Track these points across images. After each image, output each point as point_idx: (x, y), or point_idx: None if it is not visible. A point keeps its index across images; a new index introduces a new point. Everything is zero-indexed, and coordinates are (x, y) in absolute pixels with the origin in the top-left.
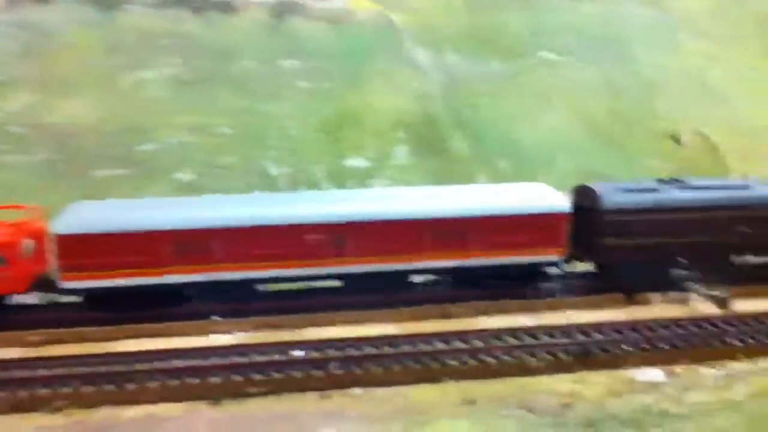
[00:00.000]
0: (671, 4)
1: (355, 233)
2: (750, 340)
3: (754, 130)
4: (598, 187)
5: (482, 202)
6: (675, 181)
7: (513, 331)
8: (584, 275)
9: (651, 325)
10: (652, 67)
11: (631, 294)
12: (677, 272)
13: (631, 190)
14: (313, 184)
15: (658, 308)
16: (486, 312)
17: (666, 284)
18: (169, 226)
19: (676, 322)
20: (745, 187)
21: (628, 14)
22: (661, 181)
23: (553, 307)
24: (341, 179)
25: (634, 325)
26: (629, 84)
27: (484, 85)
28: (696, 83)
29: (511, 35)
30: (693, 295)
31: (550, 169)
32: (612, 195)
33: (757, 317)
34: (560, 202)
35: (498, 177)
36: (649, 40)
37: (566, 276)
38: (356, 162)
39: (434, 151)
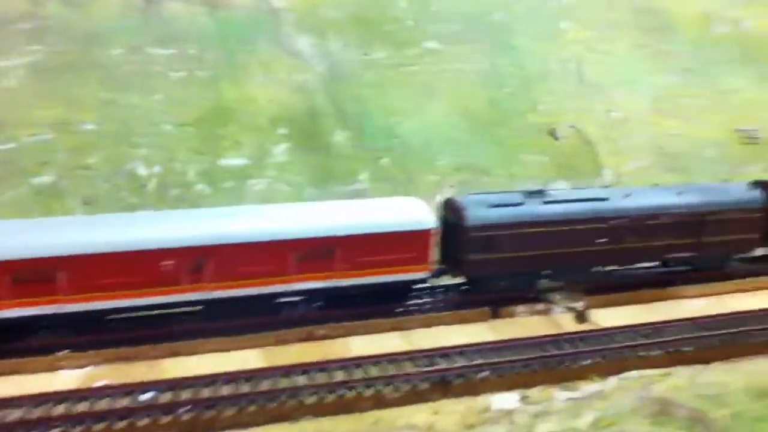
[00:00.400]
0: None
1: (214, 257)
2: (600, 359)
3: (626, 122)
4: (464, 201)
5: (348, 220)
6: (539, 193)
7: (375, 359)
8: (453, 289)
9: (509, 345)
10: (534, 57)
11: (497, 307)
12: (542, 284)
13: (496, 205)
14: (185, 185)
15: (523, 321)
16: (355, 332)
17: (531, 297)
18: (5, 257)
19: (534, 340)
20: (604, 199)
21: (513, 2)
22: (526, 193)
23: (422, 324)
24: (216, 179)
25: (493, 347)
26: (511, 75)
27: (368, 75)
28: (575, 74)
29: (396, 21)
30: (556, 307)
31: (432, 165)
32: (476, 210)
33: (611, 331)
34: (426, 218)
35: (380, 175)
36: (533, 29)
37: (435, 291)
38: (233, 160)
39: (316, 148)
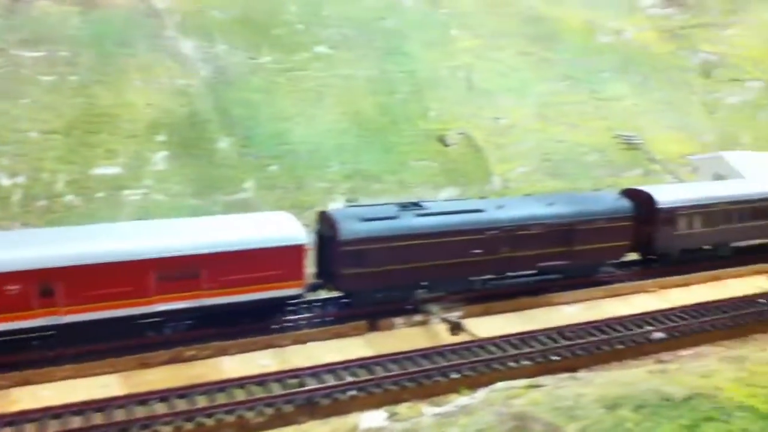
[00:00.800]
0: None
1: (64, 279)
2: (470, 372)
3: (513, 128)
4: (337, 215)
5: (214, 237)
6: (414, 206)
7: (239, 382)
8: (329, 303)
9: (379, 361)
10: (425, 64)
11: (375, 320)
12: (420, 296)
13: (370, 218)
14: (53, 196)
15: (401, 333)
16: (226, 351)
17: (409, 308)
18: None
19: (406, 355)
20: (479, 211)
21: (404, 7)
22: (401, 206)
23: (297, 340)
24: (88, 190)
25: (362, 363)
26: (402, 81)
27: (256, 80)
28: (464, 81)
29: (286, 25)
30: (433, 318)
31: (322, 172)
32: (350, 224)
33: (483, 342)
34: (297, 233)
35: (267, 183)
36: (423, 36)
37: (311, 306)
38: (106, 170)
39: (198, 155)
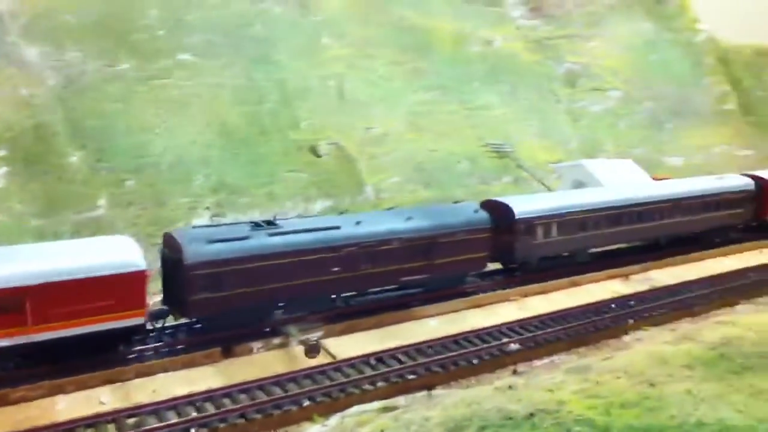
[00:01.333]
0: (316, 4)
1: None
2: (323, 398)
3: (386, 138)
4: (182, 237)
5: (41, 266)
6: (268, 224)
7: (67, 426)
8: (180, 330)
9: (228, 392)
10: (295, 72)
11: (229, 346)
12: (277, 317)
13: (218, 240)
14: None
15: (258, 359)
16: (63, 390)
17: (267, 331)
18: None
19: (257, 383)
20: (336, 227)
21: (274, 14)
22: (253, 225)
23: (143, 373)
24: None
25: (209, 396)
26: (271, 90)
27: (112, 89)
28: (335, 91)
29: (146, 30)
30: (293, 341)
31: (186, 186)
32: (197, 246)
33: (340, 364)
34: (135, 258)
35: (123, 199)
36: (293, 43)
37: (160, 334)
38: None
39: (44, 171)
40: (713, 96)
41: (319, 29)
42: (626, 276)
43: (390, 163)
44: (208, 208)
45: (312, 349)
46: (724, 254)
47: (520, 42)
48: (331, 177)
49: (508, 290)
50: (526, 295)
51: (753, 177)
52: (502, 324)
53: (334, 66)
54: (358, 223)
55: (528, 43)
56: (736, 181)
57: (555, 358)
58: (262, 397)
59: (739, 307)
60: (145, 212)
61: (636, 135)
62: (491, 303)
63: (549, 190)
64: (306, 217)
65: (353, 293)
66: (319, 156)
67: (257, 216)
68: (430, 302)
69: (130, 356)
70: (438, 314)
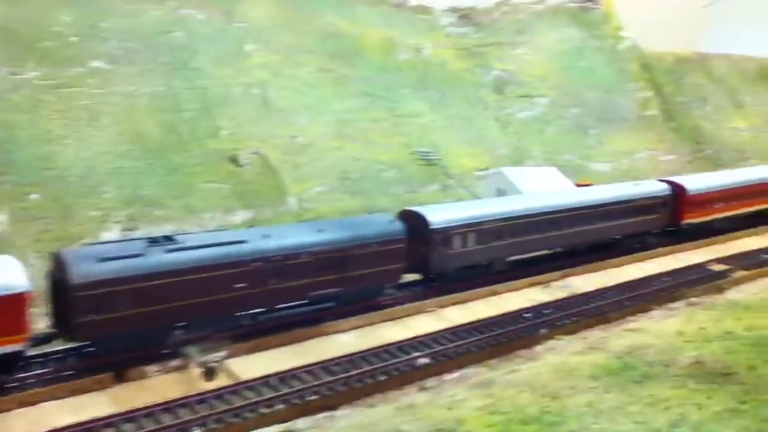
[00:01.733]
0: (240, 11)
1: None
2: (215, 425)
3: (310, 147)
4: (69, 256)
5: None
6: (166, 240)
7: None
8: (70, 355)
9: (112, 421)
10: (217, 80)
11: (121, 371)
12: (176, 338)
13: (109, 258)
14: None
15: (153, 383)
16: None
17: (164, 353)
18: None
19: (146, 410)
20: (242, 242)
21: (195, 20)
22: (149, 241)
23: (25, 403)
24: None
25: (91, 427)
26: (190, 98)
27: (17, 98)
28: (259, 99)
29: (56, 37)
30: (192, 363)
31: (96, 199)
32: (85, 266)
33: (239, 387)
34: (16, 279)
35: (27, 213)
36: (215, 50)
37: (46, 359)
38: None
39: None
40: (637, 102)
41: (244, 36)
42: (546, 283)
43: (315, 173)
44: (119, 221)
45: (209, 372)
46: (642, 259)
47: (450, 50)
48: (253, 187)
49: (425, 302)
50: (443, 306)
51: (669, 182)
52: (415, 337)
53: (258, 73)
54: (265, 236)
55: (457, 51)
56: (652, 186)
57: (466, 371)
58: (150, 425)
59: (653, 313)
60: (51, 227)
61: (563, 141)
62: (408, 315)
63: (476, 198)
64: (211, 231)
65: (261, 310)
66: (240, 166)
67: (172, 229)
68: (345, 316)
69: (10, 385)
70: (352, 328)
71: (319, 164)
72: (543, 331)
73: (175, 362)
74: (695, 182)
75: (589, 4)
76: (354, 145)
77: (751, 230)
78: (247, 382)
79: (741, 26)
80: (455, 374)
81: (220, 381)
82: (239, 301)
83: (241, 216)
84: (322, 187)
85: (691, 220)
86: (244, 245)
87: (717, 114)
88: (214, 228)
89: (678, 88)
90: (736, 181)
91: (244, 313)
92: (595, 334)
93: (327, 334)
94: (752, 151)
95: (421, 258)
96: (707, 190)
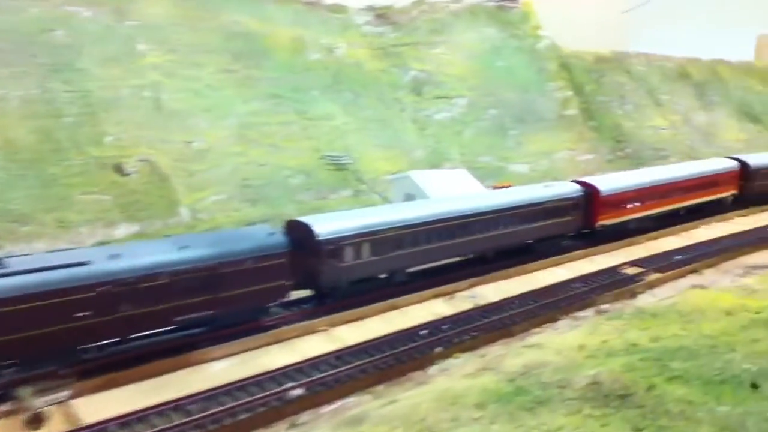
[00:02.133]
0: (134, 9)
1: None
2: None
3: (208, 153)
4: None
5: None
6: None
7: None
8: None
9: None
10: (103, 82)
11: None
12: (5, 378)
13: None
14: None
15: None
16: None
17: None
18: None
19: None
20: (84, 263)
21: (80, 18)
22: None
23: None
24: None
25: None
26: (71, 102)
27: None
28: (151, 102)
29: None
30: (27, 406)
31: None
32: None
33: None
34: None
35: None
36: (103, 50)
37: None
38: None
39: None
40: (556, 101)
41: (136, 35)
42: (452, 294)
43: (212, 180)
44: None
45: (34, 419)
46: (557, 264)
47: (365, 49)
48: (140, 198)
49: (315, 321)
50: (335, 325)
51: (581, 183)
52: (290, 365)
53: (150, 74)
54: (114, 256)
55: (373, 51)
56: (564, 188)
57: (347, 400)
58: None
59: (559, 323)
60: None
61: (482, 143)
62: (296, 336)
63: (388, 203)
64: (49, 252)
65: (111, 341)
66: (125, 174)
67: (42, 248)
68: (221, 341)
69: None
70: (228, 355)
71: (218, 171)
72: (438, 349)
73: (4, 407)
74: (609, 182)
75: (507, 3)
76: (258, 150)
77: (668, 230)
78: (83, 429)
79: (661, 27)
80: (334, 405)
81: (52, 428)
82: (82, 331)
83: (124, 230)
84: (220, 195)
85: (606, 221)
86: (85, 268)
87: (637, 113)
88: (70, 247)
89: (598, 88)
90: (651, 180)
91: (89, 346)
92: (494, 351)
93: (197, 363)
94: (671, 150)
95: (310, 273)
96: (621, 190)
